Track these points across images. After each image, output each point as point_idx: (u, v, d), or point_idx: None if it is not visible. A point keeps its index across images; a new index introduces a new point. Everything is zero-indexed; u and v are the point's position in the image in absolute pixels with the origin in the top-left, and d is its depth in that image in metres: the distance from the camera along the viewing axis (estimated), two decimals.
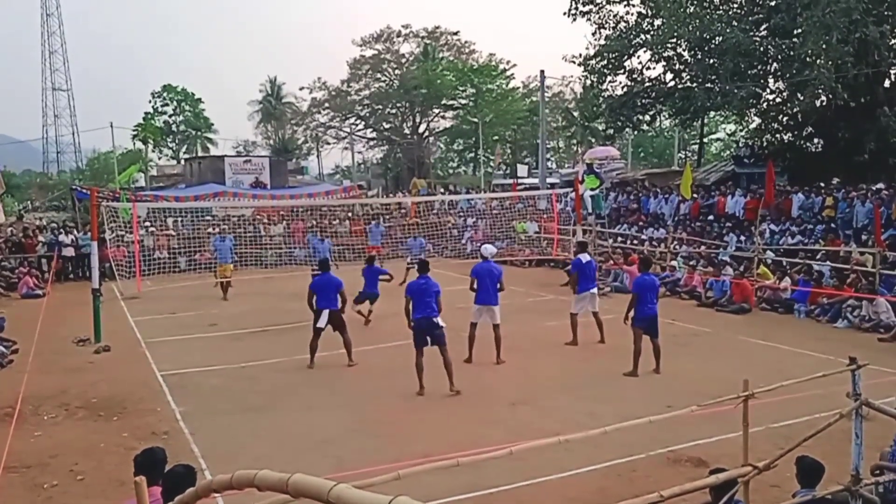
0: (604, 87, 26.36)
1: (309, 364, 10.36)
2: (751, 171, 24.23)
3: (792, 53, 19.91)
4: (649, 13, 24.33)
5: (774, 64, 22.19)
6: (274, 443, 7.43)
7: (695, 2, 23.43)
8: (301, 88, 62.29)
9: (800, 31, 19.74)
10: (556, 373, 10.05)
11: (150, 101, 63.02)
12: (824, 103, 21.23)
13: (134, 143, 53.13)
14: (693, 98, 23.30)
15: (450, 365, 8.99)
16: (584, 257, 11.81)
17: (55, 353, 11.52)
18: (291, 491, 1.49)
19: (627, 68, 25.63)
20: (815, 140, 23.92)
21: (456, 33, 57.77)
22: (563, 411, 8.16)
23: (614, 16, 25.30)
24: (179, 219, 24.03)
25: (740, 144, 29.43)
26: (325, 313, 10.22)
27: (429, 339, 9.01)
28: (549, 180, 34.06)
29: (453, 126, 58.44)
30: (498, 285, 10.34)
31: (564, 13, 25.57)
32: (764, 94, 23.42)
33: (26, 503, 6.13)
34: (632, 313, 9.82)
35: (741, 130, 32.56)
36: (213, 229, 21.50)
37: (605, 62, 25.56)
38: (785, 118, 24.05)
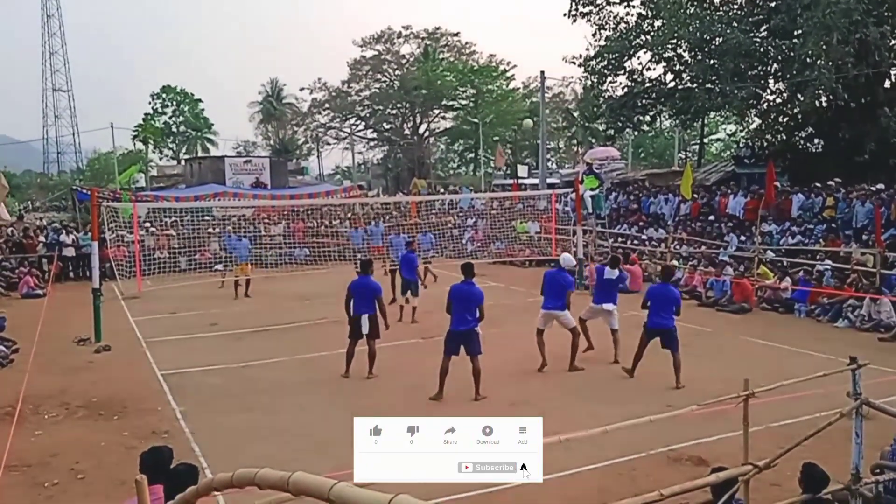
0: (604, 87, 26.30)
1: (344, 373, 9.85)
2: (751, 171, 24.21)
3: (792, 54, 19.86)
4: (649, 14, 24.28)
5: (775, 65, 22.14)
6: (274, 442, 7.44)
7: (695, 3, 23.39)
8: (301, 89, 61.83)
9: (800, 31, 19.69)
10: (556, 372, 10.03)
11: (149, 103, 63.05)
12: (824, 104, 21.19)
13: (134, 144, 53.15)
14: (693, 99, 23.25)
15: (478, 373, 8.72)
16: (608, 272, 10.82)
17: (56, 352, 11.52)
18: (292, 489, 1.49)
19: (628, 69, 25.58)
20: (816, 140, 23.86)
21: (456, 34, 57.71)
22: (564, 411, 8.13)
23: (614, 17, 25.24)
24: (179, 219, 24.02)
25: (740, 145, 29.34)
26: (366, 318, 9.76)
27: (462, 347, 8.70)
28: (549, 180, 34.05)
29: (454, 126, 58.35)
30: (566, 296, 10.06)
31: (564, 14, 25.53)
32: (764, 94, 23.38)
33: (27, 502, 6.15)
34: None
35: (741, 131, 32.47)
36: (215, 228, 21.50)
37: (606, 63, 25.51)
38: (785, 119, 24.00)
